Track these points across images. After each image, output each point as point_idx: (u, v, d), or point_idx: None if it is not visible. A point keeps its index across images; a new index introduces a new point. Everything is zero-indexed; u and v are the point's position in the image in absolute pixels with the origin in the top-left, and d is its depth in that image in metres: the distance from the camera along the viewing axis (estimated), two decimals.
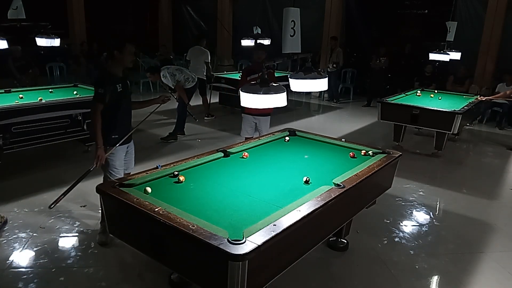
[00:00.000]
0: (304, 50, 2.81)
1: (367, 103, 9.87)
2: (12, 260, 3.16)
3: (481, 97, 6.92)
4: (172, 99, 6.38)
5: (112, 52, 3.24)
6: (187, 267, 2.16)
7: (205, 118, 8.00)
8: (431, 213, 4.32)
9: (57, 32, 7.09)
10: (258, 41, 8.40)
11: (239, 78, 8.23)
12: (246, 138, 4.67)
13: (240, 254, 1.79)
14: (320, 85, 2.65)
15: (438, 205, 4.57)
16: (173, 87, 6.54)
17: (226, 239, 1.89)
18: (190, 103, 8.20)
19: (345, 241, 3.49)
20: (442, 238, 3.81)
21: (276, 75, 5.19)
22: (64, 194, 3.58)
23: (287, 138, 3.92)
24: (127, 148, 3.50)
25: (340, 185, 2.61)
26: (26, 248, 3.33)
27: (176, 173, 2.80)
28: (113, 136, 3.30)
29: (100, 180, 3.35)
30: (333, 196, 2.45)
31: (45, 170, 4.98)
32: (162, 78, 6.38)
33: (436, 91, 7.47)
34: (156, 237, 2.22)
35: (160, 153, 5.89)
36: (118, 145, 3.33)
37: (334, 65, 9.83)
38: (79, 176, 3.67)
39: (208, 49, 7.99)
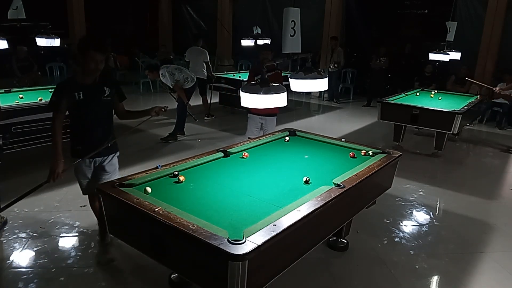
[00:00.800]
0: (304, 50, 2.81)
1: (367, 103, 9.87)
2: (12, 260, 3.16)
3: (496, 89, 6.86)
4: (171, 103, 6.40)
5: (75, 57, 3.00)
6: (187, 267, 2.16)
7: (205, 118, 8.00)
8: (431, 213, 4.32)
9: (57, 32, 7.10)
10: (259, 41, 8.41)
11: (240, 78, 8.30)
12: (249, 138, 4.67)
13: (240, 254, 1.79)
14: (320, 85, 2.65)
15: (438, 205, 4.57)
16: (171, 87, 6.50)
17: (226, 239, 1.89)
18: (189, 103, 8.20)
19: (345, 241, 3.49)
20: (442, 238, 3.81)
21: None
22: (6, 207, 3.30)
23: (287, 138, 3.92)
24: (95, 163, 3.13)
25: (340, 185, 2.61)
26: (26, 248, 3.33)
27: (176, 173, 2.80)
28: (73, 148, 3.09)
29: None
30: (333, 196, 2.44)
31: (45, 170, 4.95)
32: (161, 77, 6.33)
33: (436, 91, 7.47)
34: (156, 237, 2.22)
35: (160, 153, 5.89)
36: (82, 159, 3.04)
37: (335, 65, 9.84)
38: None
39: (207, 49, 8.00)
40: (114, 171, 3.22)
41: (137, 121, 3.49)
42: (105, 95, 3.03)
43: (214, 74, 8.39)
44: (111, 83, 3.13)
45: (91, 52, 2.83)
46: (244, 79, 7.70)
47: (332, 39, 10.01)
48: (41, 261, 3.17)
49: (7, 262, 3.13)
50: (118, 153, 3.27)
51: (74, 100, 2.92)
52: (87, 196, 3.33)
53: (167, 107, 3.20)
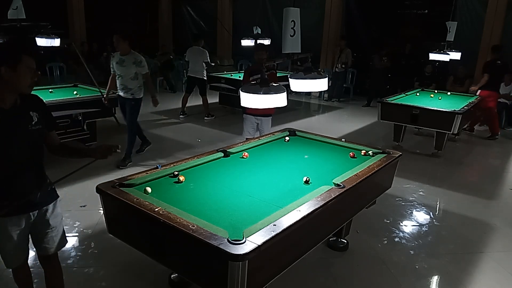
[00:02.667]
0: (304, 50, 2.81)
1: (367, 103, 9.88)
2: None
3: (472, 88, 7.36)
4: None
5: None
6: (187, 267, 2.16)
7: (205, 118, 8.01)
8: (431, 213, 4.33)
9: (57, 32, 7.10)
10: (258, 41, 8.41)
11: (240, 78, 8.30)
12: (247, 139, 4.67)
13: (240, 254, 1.79)
14: (320, 85, 2.65)
15: (438, 205, 4.57)
16: (135, 73, 5.07)
17: (226, 239, 1.89)
18: (187, 104, 8.17)
19: (345, 241, 3.49)
20: (442, 238, 3.81)
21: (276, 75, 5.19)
22: None
23: (287, 138, 3.92)
24: (30, 218, 2.21)
25: (340, 185, 2.61)
26: None
27: (176, 173, 2.80)
28: None
29: (101, 179, 3.33)
30: (333, 196, 2.45)
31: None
32: (136, 56, 5.07)
33: (436, 91, 7.48)
34: (156, 237, 2.22)
35: (160, 153, 5.89)
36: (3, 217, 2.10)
37: (343, 66, 9.85)
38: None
39: (207, 49, 8.00)
40: (60, 224, 2.42)
41: (77, 163, 2.56)
42: (33, 122, 2.11)
43: (212, 63, 8.39)
44: (38, 105, 2.21)
45: (26, 58, 2.03)
46: None
47: (341, 39, 10.05)
48: None
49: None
50: (59, 199, 2.41)
51: None
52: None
53: (119, 147, 2.32)
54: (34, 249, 2.44)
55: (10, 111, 2.04)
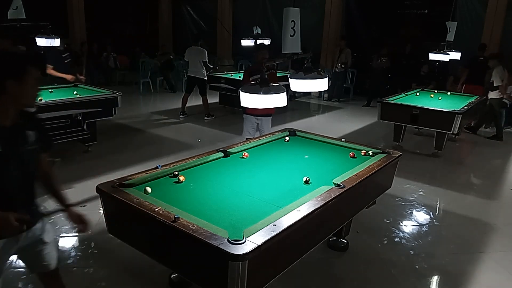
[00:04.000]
0: (303, 50, 2.81)
1: (367, 103, 9.88)
2: (12, 260, 3.15)
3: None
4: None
5: (2, 82, 1.77)
6: (187, 267, 2.16)
7: (205, 118, 8.01)
8: (431, 213, 4.33)
9: (57, 32, 7.10)
10: (259, 41, 8.41)
11: (240, 78, 8.30)
12: (247, 139, 4.67)
13: (240, 254, 1.79)
14: (320, 85, 2.65)
15: (438, 205, 4.57)
16: None
17: (226, 239, 1.89)
18: (187, 104, 8.13)
19: (345, 241, 3.49)
20: (442, 238, 3.81)
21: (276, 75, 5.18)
22: None
23: (287, 138, 3.92)
24: (18, 239, 2.01)
25: (340, 185, 2.61)
26: None
27: (176, 173, 2.80)
28: None
29: (100, 179, 3.34)
30: (333, 196, 2.44)
31: None
32: None
33: (436, 91, 7.48)
34: (156, 237, 2.22)
35: (160, 153, 5.89)
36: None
37: (342, 66, 9.87)
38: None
39: (207, 49, 8.00)
40: (54, 240, 2.26)
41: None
42: (29, 142, 1.92)
43: (212, 67, 8.37)
44: (36, 124, 2.03)
45: (32, 69, 1.84)
46: None
47: (341, 39, 10.07)
48: None
49: (7, 262, 3.13)
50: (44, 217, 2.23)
51: None
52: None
53: (88, 229, 2.27)
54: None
55: (10, 129, 1.85)
